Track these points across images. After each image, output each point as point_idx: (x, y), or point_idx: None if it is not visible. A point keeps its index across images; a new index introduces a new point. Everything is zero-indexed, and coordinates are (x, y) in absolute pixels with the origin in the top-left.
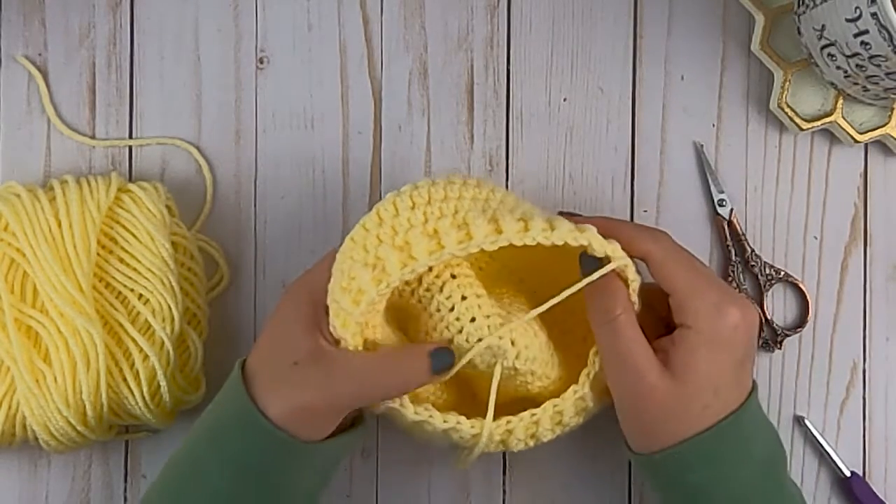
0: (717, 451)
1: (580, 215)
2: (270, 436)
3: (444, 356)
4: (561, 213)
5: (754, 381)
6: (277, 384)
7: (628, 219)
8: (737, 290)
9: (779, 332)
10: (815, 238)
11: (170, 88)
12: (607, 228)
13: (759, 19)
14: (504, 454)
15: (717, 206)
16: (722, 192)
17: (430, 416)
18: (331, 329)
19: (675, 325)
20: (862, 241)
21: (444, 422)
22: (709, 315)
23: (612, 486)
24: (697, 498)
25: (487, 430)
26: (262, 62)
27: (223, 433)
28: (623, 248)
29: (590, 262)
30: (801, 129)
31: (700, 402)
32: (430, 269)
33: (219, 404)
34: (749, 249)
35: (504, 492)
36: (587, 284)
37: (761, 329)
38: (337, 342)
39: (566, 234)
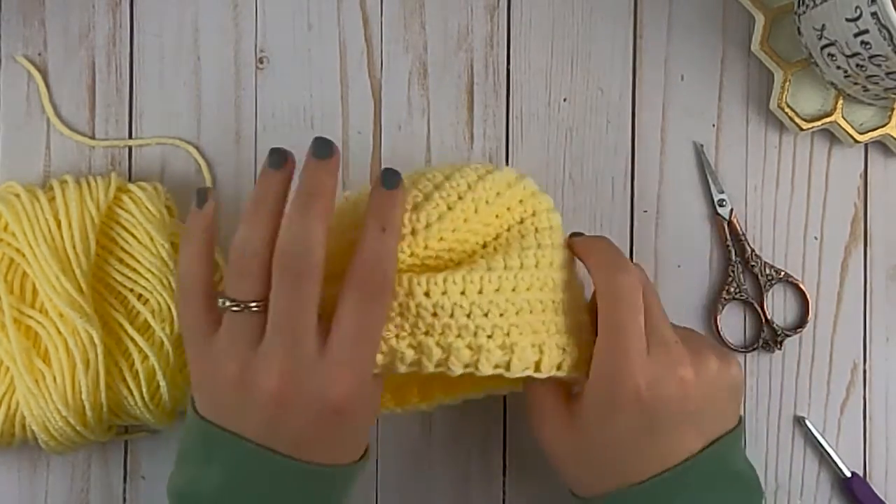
0: None
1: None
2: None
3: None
4: (573, 235)
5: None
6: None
7: (628, 219)
8: (737, 290)
9: (779, 333)
10: (816, 238)
11: (170, 88)
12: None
13: (759, 19)
14: (504, 455)
15: (717, 206)
16: (722, 192)
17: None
18: None
19: None
20: (862, 241)
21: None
22: (609, 364)
23: None
24: None
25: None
26: (262, 62)
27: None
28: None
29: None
30: (801, 130)
31: (605, 463)
32: None
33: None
34: (749, 249)
35: (504, 492)
36: None
37: (761, 329)
38: None
39: (518, 367)
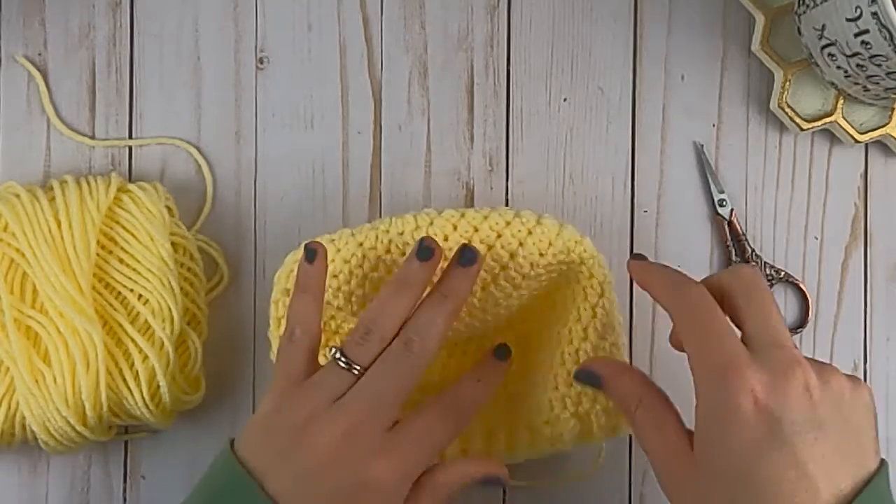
0: None
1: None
2: None
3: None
4: (634, 258)
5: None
6: None
7: (628, 219)
8: None
9: None
10: (816, 238)
11: (170, 88)
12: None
13: (759, 19)
14: None
15: (717, 206)
16: (722, 192)
17: None
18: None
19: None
20: (862, 241)
21: None
22: (710, 381)
23: (612, 488)
24: None
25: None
26: (262, 62)
27: None
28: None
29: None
30: (802, 130)
31: (724, 493)
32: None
33: None
34: (749, 249)
35: (504, 492)
36: None
37: None
38: None
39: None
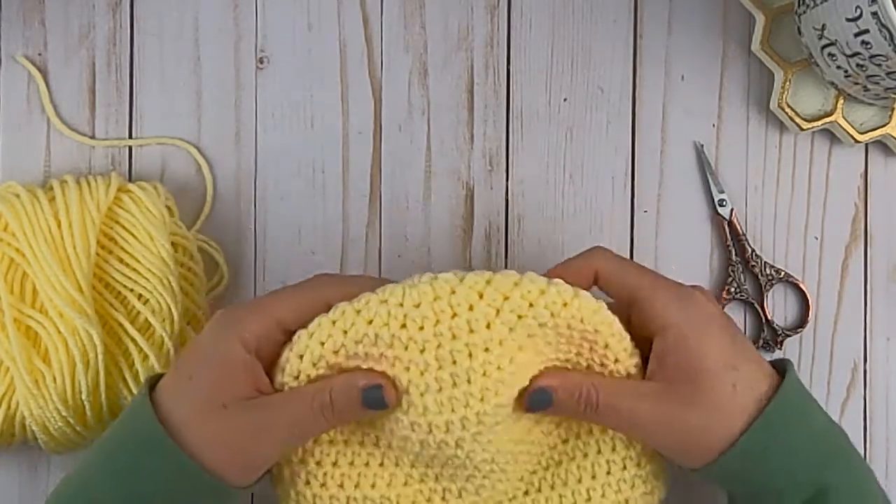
0: (772, 438)
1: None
2: (200, 481)
3: (374, 391)
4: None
5: (784, 362)
6: (209, 428)
7: (628, 219)
8: (737, 290)
9: (779, 333)
10: (816, 238)
11: (170, 88)
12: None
13: (760, 19)
14: None
15: (718, 206)
16: (722, 192)
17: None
18: (282, 364)
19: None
20: (862, 241)
21: None
22: (679, 302)
23: None
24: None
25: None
26: (262, 62)
27: (133, 470)
28: (571, 278)
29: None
30: (802, 129)
31: (723, 384)
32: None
33: (128, 436)
34: (749, 249)
35: None
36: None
37: (761, 329)
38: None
39: None
